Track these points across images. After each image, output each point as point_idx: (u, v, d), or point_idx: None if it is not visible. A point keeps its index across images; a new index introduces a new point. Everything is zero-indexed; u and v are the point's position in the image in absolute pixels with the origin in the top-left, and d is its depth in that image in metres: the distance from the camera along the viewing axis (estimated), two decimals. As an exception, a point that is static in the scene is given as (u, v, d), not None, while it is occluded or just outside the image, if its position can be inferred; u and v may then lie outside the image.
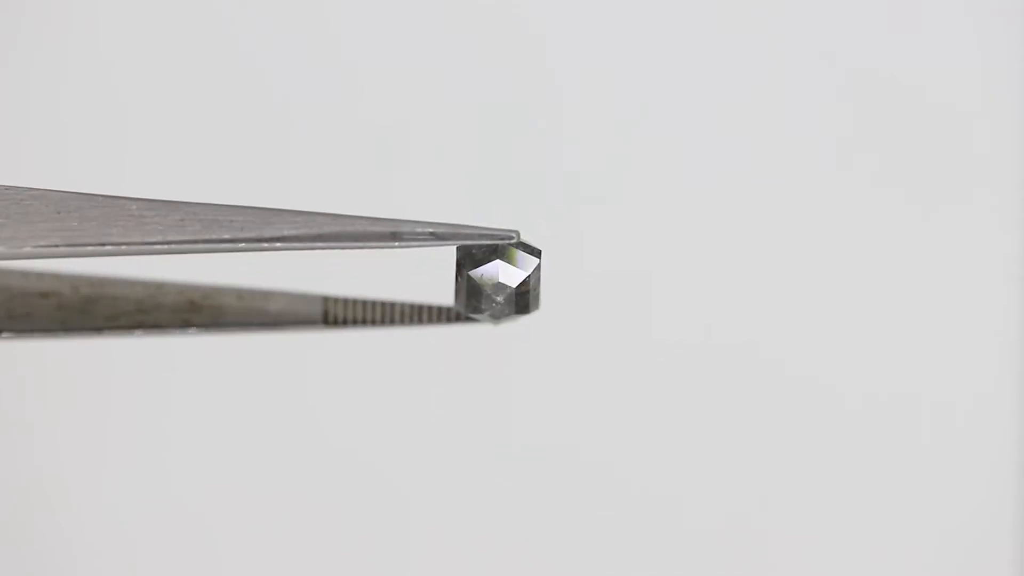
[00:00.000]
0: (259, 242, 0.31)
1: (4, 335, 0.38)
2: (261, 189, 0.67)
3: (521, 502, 0.70)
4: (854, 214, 0.71)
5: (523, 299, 0.35)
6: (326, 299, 0.41)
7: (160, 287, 0.42)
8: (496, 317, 0.36)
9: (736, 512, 0.71)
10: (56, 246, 0.31)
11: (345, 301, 0.40)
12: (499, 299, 0.35)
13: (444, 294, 0.36)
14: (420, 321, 0.39)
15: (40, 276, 0.42)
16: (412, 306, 0.40)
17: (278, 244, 0.31)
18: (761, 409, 0.70)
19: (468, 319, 0.38)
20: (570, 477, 0.70)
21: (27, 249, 0.31)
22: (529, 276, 0.35)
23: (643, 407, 0.70)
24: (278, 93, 0.68)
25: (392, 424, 0.69)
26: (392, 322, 0.39)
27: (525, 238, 0.35)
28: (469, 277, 0.34)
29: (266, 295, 0.41)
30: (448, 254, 0.34)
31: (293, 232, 0.31)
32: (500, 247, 0.34)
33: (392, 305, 0.40)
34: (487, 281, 0.35)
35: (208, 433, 0.69)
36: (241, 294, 0.42)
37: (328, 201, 0.65)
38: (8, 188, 0.34)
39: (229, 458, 0.69)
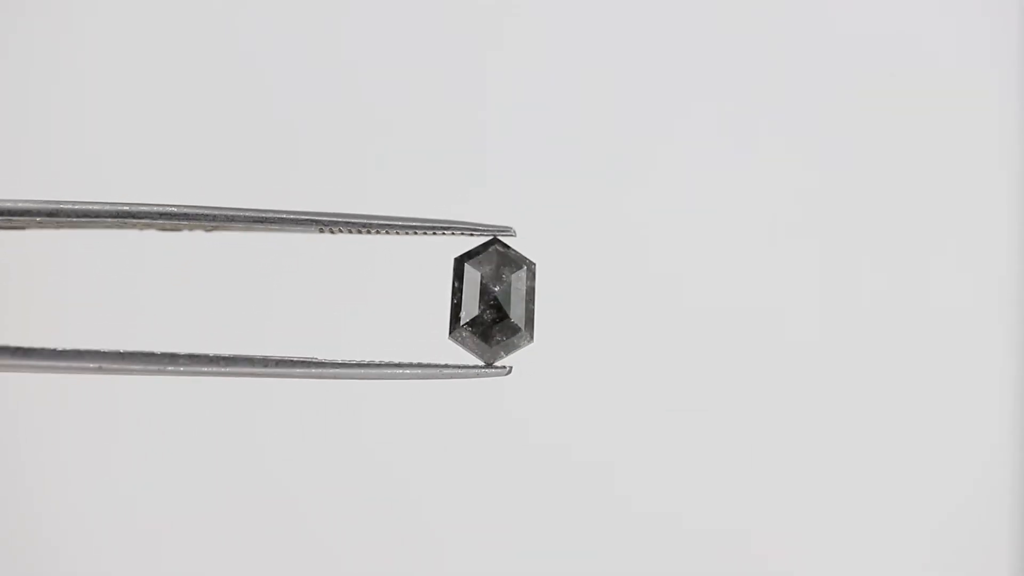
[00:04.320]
0: (274, 222, 0.32)
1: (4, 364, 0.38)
2: (257, 189, 0.67)
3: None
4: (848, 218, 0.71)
5: (519, 304, 0.35)
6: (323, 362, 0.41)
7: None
8: (490, 336, 0.36)
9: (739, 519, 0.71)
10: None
11: (340, 363, 0.40)
12: (495, 289, 0.35)
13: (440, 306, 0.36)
14: (416, 369, 0.39)
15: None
16: (409, 364, 0.40)
17: (290, 226, 0.32)
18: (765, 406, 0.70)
19: (463, 368, 0.38)
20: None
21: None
22: (525, 271, 0.35)
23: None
24: (276, 94, 0.68)
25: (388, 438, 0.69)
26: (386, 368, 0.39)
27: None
28: (467, 268, 0.35)
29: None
30: (446, 261, 0.35)
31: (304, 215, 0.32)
32: (497, 240, 0.35)
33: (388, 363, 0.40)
34: (486, 274, 0.35)
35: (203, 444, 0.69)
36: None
37: (320, 202, 0.65)
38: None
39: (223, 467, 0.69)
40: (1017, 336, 0.70)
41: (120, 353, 0.40)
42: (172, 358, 0.39)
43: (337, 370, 0.38)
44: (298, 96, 0.68)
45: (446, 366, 0.36)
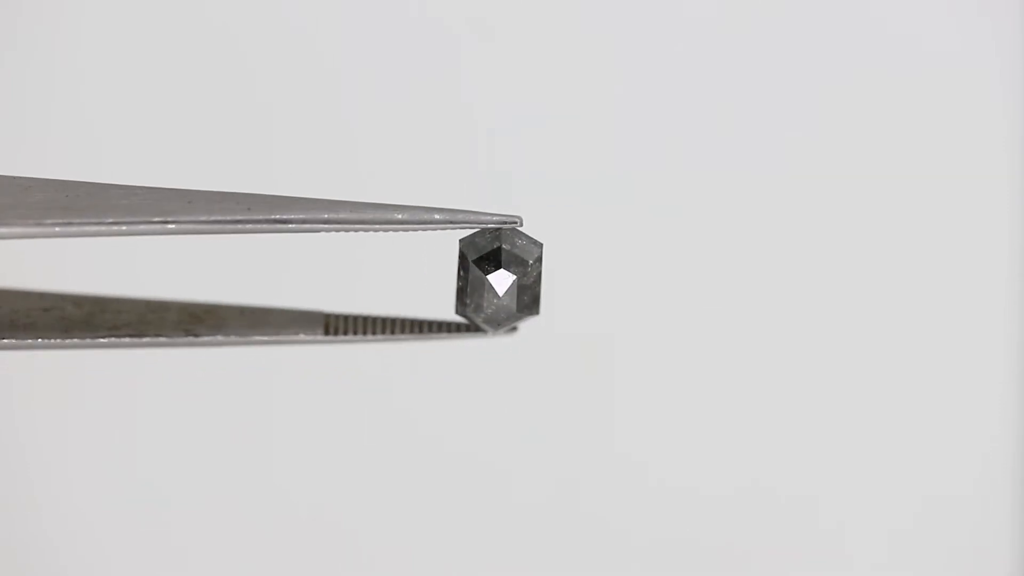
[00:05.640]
0: (267, 223, 0.31)
1: (5, 342, 0.37)
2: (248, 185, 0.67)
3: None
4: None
5: (525, 292, 0.35)
6: (327, 315, 0.41)
7: (162, 304, 0.42)
8: (496, 321, 0.36)
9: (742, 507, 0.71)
10: (64, 223, 0.31)
11: (346, 317, 0.41)
12: (501, 291, 0.35)
13: (446, 295, 0.36)
14: (420, 333, 0.39)
15: (42, 295, 0.42)
16: (413, 321, 0.40)
17: (287, 225, 0.31)
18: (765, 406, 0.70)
19: (468, 329, 0.38)
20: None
21: (34, 228, 0.31)
22: (531, 266, 0.35)
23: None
24: (269, 82, 0.68)
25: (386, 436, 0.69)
26: (393, 334, 0.39)
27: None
28: (472, 265, 0.34)
29: (267, 311, 0.42)
30: (451, 247, 0.34)
31: (302, 215, 0.32)
32: (504, 231, 0.34)
33: (393, 321, 0.40)
34: (492, 277, 0.35)
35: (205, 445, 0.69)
36: (243, 310, 0.42)
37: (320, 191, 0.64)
38: (11, 177, 0.34)
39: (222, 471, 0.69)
40: (1017, 336, 0.70)
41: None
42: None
43: (342, 334, 0.38)
44: (293, 82, 0.68)
45: (451, 325, 0.36)
